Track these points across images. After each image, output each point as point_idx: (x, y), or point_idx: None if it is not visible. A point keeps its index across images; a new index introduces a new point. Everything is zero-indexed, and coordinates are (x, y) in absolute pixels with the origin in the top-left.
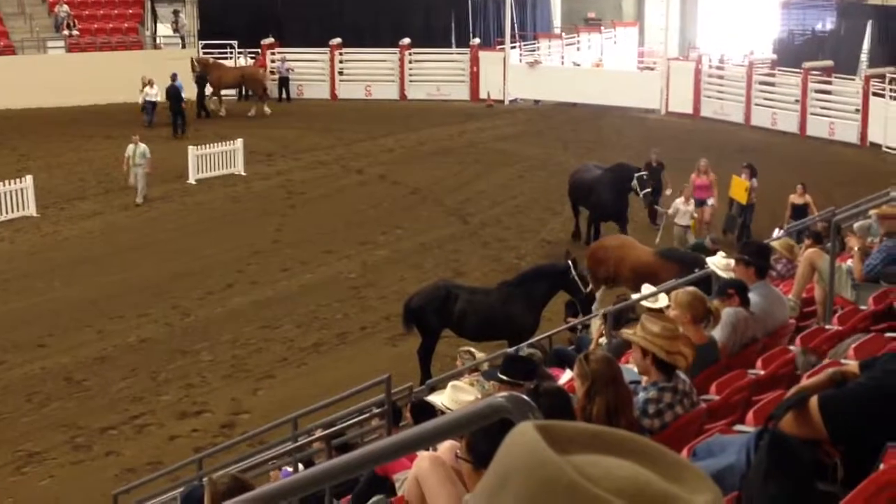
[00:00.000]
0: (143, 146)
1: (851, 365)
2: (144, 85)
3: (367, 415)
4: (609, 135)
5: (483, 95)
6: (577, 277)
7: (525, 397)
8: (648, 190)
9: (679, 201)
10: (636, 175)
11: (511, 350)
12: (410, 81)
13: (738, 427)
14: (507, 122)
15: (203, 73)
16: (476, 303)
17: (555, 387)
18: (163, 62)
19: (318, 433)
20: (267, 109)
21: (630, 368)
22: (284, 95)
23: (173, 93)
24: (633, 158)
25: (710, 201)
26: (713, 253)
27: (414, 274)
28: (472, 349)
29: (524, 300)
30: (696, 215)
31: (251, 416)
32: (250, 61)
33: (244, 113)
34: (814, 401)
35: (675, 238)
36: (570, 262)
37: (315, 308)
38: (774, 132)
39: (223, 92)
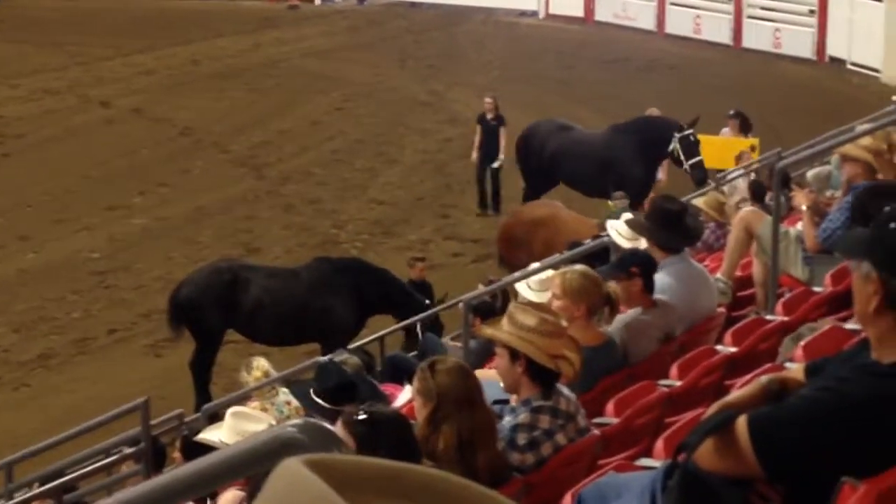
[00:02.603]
0: None
1: (794, 370)
2: None
3: (115, 457)
4: (465, 48)
5: None
6: (419, 328)
7: (326, 425)
8: (700, 158)
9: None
10: (678, 135)
11: (326, 358)
12: None
13: (643, 461)
14: (321, 30)
15: None
16: (276, 290)
17: (392, 412)
18: None
19: (42, 486)
20: None
21: (494, 382)
22: None
23: None
24: (503, 82)
25: (661, 174)
26: None
27: (186, 251)
28: (262, 360)
29: (348, 292)
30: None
31: None
32: None
33: None
34: (742, 422)
35: None
36: (427, 307)
37: (40, 304)
38: (699, 43)
39: None
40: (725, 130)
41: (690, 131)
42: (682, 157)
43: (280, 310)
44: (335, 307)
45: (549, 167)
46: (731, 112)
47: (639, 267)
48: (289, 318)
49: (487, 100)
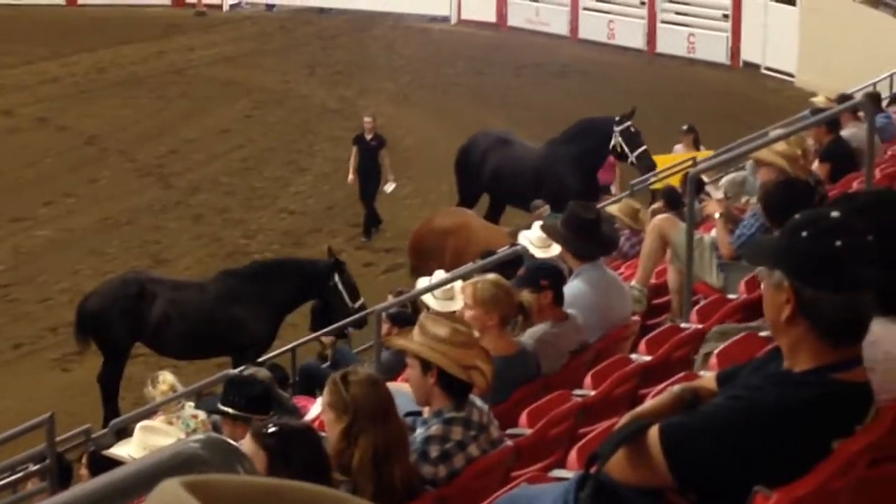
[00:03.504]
0: None
1: (706, 379)
2: None
3: (20, 474)
4: (376, 54)
5: None
6: (342, 286)
7: (229, 441)
8: (644, 147)
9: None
10: (617, 129)
11: (236, 371)
12: None
13: (557, 472)
14: (228, 36)
15: None
16: (184, 303)
17: (303, 425)
18: None
19: None
20: None
21: (402, 393)
22: None
23: None
24: (414, 88)
25: (614, 188)
26: None
27: (93, 263)
28: (168, 374)
29: (257, 300)
30: None
31: None
32: None
33: None
34: (653, 432)
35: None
36: (335, 263)
37: None
38: (612, 48)
39: None
40: (678, 147)
41: (629, 123)
42: (627, 150)
43: (187, 323)
44: (244, 319)
45: (488, 186)
46: (685, 127)
47: (548, 279)
48: (196, 332)
49: (367, 119)
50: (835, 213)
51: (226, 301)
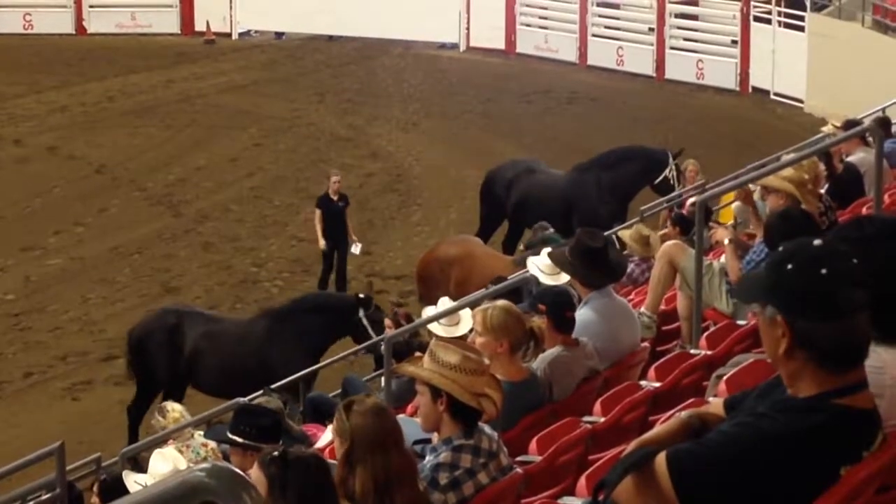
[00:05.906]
0: None
1: (714, 405)
2: None
3: (31, 503)
4: (384, 82)
5: (201, 27)
6: (366, 322)
7: (235, 469)
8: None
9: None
10: (673, 163)
11: (246, 399)
12: (92, 7)
13: (566, 499)
14: (237, 65)
15: None
16: (217, 337)
17: (307, 454)
18: None
19: None
20: None
21: (415, 421)
22: None
23: None
24: (423, 116)
25: None
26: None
27: (104, 292)
28: (175, 403)
29: (292, 339)
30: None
31: None
32: None
33: None
34: (661, 459)
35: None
36: (359, 299)
37: None
38: (621, 74)
39: None
40: None
41: (678, 161)
42: (676, 184)
43: (219, 360)
44: (276, 359)
45: (511, 214)
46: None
47: (546, 304)
48: (227, 370)
49: (334, 178)
50: (817, 242)
51: (261, 340)
